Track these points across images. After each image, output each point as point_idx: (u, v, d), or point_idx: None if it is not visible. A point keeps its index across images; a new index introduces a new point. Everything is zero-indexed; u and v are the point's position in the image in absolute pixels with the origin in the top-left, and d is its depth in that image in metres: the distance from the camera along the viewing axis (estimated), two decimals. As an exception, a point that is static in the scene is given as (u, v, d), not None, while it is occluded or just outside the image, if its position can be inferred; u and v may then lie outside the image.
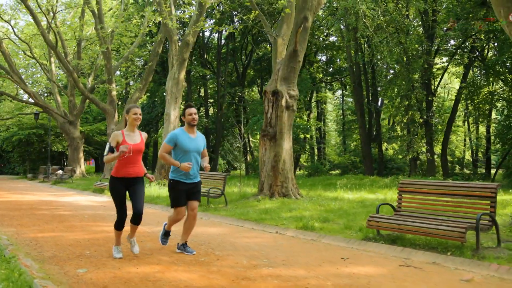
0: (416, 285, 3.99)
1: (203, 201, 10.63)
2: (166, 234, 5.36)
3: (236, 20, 29.17)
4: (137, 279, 4.07)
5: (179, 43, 17.91)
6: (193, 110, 5.12)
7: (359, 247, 5.81)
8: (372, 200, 10.88)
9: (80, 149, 26.86)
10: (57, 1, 22.31)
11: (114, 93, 22.82)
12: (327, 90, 39.16)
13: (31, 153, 32.02)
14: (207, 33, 34.23)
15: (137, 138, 4.82)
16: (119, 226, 4.88)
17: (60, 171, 22.19)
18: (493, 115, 26.93)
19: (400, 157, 28.99)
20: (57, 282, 3.90)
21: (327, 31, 30.92)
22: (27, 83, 31.33)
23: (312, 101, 36.94)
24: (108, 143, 4.73)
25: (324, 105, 40.43)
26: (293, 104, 11.50)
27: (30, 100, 26.54)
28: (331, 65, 36.17)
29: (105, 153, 4.72)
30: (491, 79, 23.04)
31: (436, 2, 22.15)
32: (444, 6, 22.08)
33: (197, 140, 5.13)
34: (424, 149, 24.50)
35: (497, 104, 22.69)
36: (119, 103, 33.88)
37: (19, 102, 29.13)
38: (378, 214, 6.27)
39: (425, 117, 22.52)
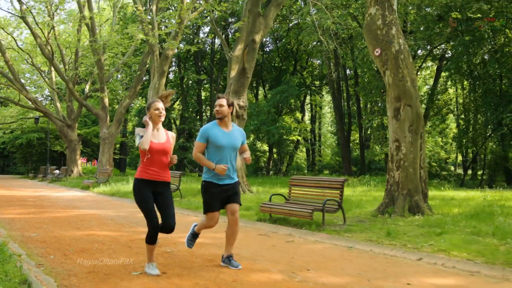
0: (253, 243, 5.97)
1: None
2: (194, 236, 4.94)
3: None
4: (67, 238, 6.12)
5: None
6: (221, 101, 4.49)
7: (249, 225, 7.80)
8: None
9: (77, 151, 29.13)
10: (52, 19, 24.48)
11: (106, 99, 25.05)
12: (316, 94, 41.17)
13: (32, 154, 34.69)
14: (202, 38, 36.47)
15: (162, 137, 4.27)
16: (152, 239, 4.18)
17: (56, 171, 24.46)
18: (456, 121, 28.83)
19: (376, 158, 30.85)
20: (14, 239, 5.97)
21: (318, 38, 32.89)
22: (31, 88, 33.78)
23: (306, 103, 39.04)
24: (137, 135, 4.23)
25: (318, 108, 42.44)
26: (243, 113, 13.53)
27: (32, 105, 28.84)
28: (322, 70, 38.13)
29: (137, 142, 4.18)
30: (450, 83, 25.11)
31: (407, 16, 24.08)
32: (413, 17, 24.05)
33: (232, 134, 4.52)
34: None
35: (453, 109, 24.75)
36: (115, 107, 36.21)
37: (21, 107, 31.47)
38: (271, 202, 8.25)
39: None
